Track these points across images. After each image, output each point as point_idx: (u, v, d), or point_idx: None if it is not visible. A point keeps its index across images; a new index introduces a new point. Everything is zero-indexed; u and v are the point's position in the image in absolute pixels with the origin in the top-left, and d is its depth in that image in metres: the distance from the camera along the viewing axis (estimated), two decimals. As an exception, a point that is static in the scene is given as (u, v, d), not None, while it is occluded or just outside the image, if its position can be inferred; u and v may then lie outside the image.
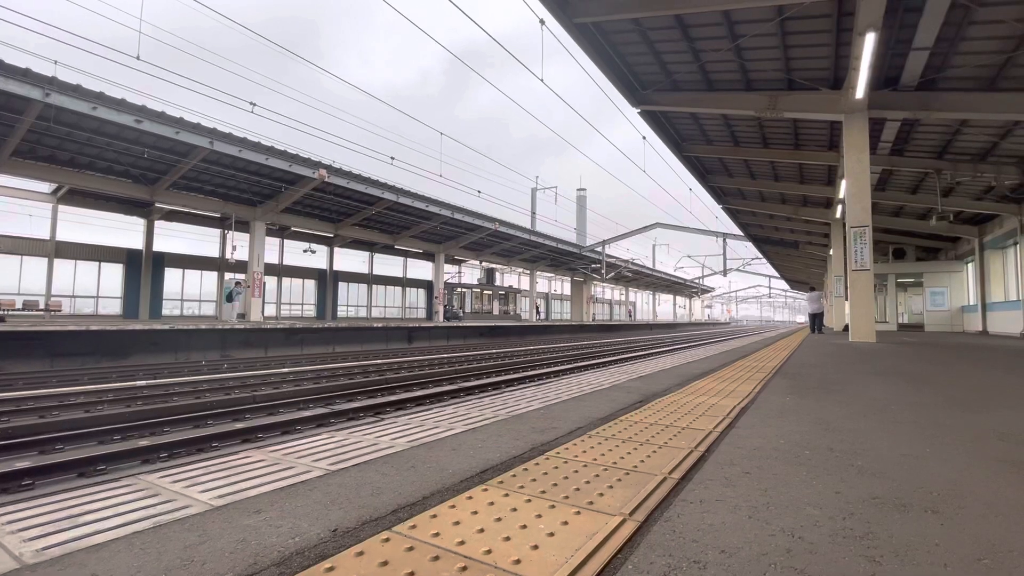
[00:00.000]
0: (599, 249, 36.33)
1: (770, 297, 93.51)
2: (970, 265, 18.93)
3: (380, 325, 21.90)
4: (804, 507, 1.45)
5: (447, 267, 32.04)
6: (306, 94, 21.21)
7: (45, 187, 17.58)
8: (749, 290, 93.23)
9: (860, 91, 8.96)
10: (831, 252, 20.96)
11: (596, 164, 18.94)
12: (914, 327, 22.67)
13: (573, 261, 38.70)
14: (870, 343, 9.82)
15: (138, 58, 10.09)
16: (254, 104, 13.05)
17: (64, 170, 15.58)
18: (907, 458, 1.97)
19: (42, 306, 17.44)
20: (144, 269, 20.29)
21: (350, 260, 29.71)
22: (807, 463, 1.89)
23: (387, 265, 32.09)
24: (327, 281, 27.92)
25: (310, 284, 27.57)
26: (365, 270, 30.59)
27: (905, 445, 2.18)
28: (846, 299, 13.26)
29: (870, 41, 7.61)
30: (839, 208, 16.55)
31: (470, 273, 39.42)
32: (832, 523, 1.34)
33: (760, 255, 38.84)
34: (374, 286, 31.24)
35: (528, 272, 39.78)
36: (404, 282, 33.42)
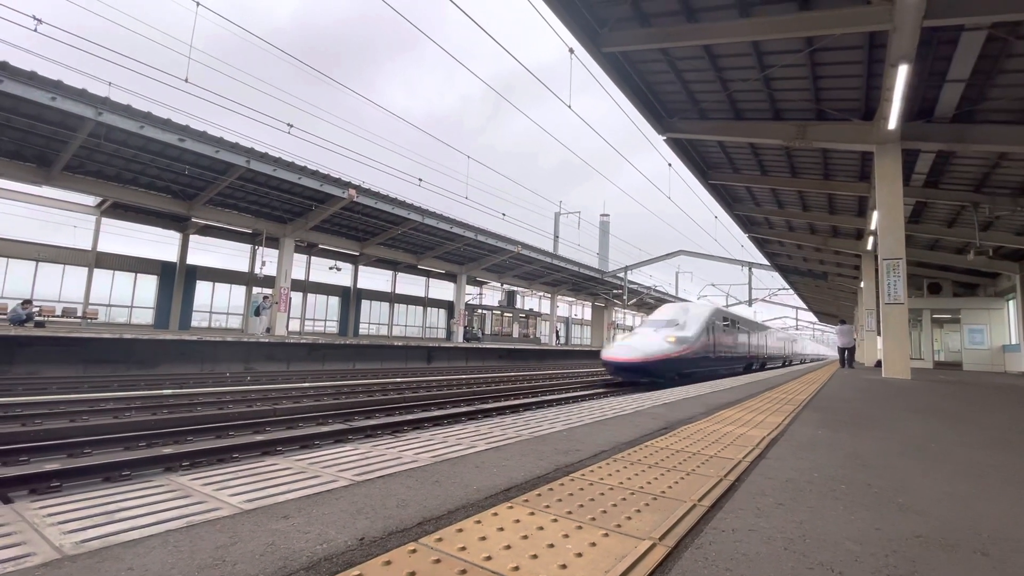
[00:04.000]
0: (621, 275, 36.09)
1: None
2: (1011, 302, 18.15)
3: (400, 344, 22.04)
4: (843, 542, 1.39)
5: (468, 288, 32.23)
6: (340, 117, 22.00)
7: (90, 200, 18.45)
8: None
9: (893, 122, 8.85)
10: (862, 284, 20.40)
11: (622, 191, 19.02)
12: (951, 365, 21.71)
13: (595, 286, 38.49)
14: (904, 380, 9.44)
15: (186, 80, 10.64)
16: (291, 125, 13.56)
17: (110, 184, 16.35)
18: (951, 497, 1.88)
19: (80, 314, 18.12)
20: (177, 281, 20.95)
21: (374, 278, 30.18)
22: (843, 498, 1.82)
23: (409, 284, 32.46)
24: (351, 298, 28.34)
25: (334, 301, 28.02)
26: (388, 289, 30.99)
27: (948, 484, 2.08)
28: (878, 333, 12.82)
29: (903, 73, 7.55)
30: (871, 240, 16.17)
31: (491, 295, 39.54)
32: (874, 560, 1.28)
33: (787, 286, 38.03)
34: (396, 305, 31.56)
35: (549, 296, 39.69)
36: (425, 302, 33.69)
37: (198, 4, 8.53)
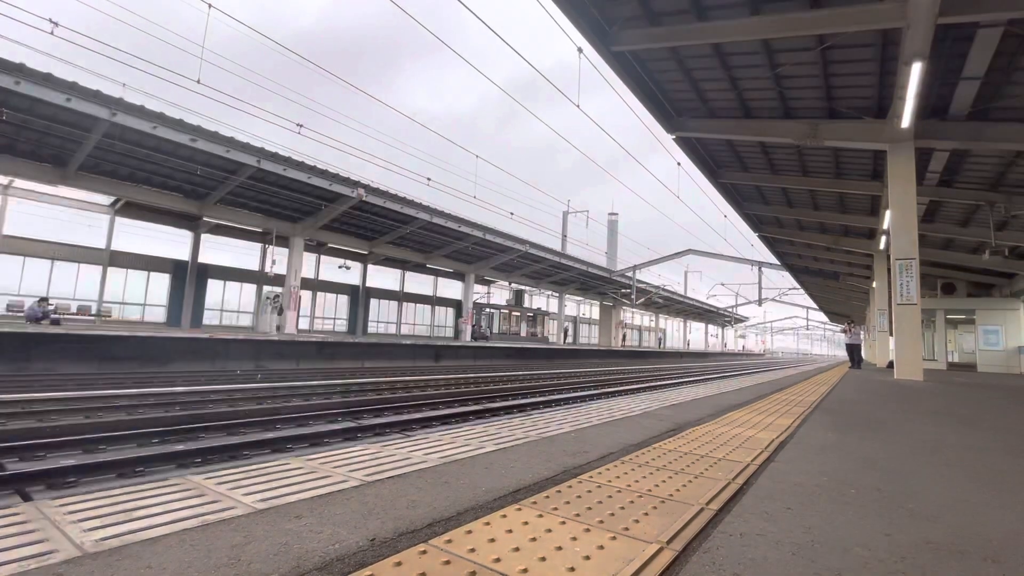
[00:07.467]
0: (630, 274, 35.96)
1: (807, 329, 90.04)
2: (1027, 303, 17.86)
3: (409, 342, 22.13)
4: (852, 548, 1.39)
5: (477, 287, 32.27)
6: (350, 117, 22.09)
7: (105, 199, 18.70)
8: (785, 321, 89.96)
9: (906, 120, 8.73)
10: (874, 284, 20.17)
11: (631, 190, 18.97)
12: (965, 367, 21.39)
13: (603, 285, 38.41)
14: (917, 381, 9.33)
15: (199, 82, 10.76)
16: (301, 125, 13.66)
17: (124, 184, 16.57)
18: (963, 503, 1.87)
19: (94, 311, 18.39)
20: (189, 280, 21.18)
21: (382, 277, 30.29)
22: (853, 502, 1.81)
23: (418, 283, 32.54)
24: (359, 297, 28.49)
25: (343, 299, 28.17)
26: (397, 287, 31.11)
27: (960, 489, 2.07)
28: (891, 334, 12.69)
29: (917, 70, 7.44)
30: (883, 239, 15.98)
31: (499, 294, 39.55)
32: (883, 566, 1.27)
33: (797, 285, 37.71)
34: (404, 303, 31.68)
35: (557, 295, 39.65)
36: (434, 300, 33.78)
37: (210, 6, 8.62)
